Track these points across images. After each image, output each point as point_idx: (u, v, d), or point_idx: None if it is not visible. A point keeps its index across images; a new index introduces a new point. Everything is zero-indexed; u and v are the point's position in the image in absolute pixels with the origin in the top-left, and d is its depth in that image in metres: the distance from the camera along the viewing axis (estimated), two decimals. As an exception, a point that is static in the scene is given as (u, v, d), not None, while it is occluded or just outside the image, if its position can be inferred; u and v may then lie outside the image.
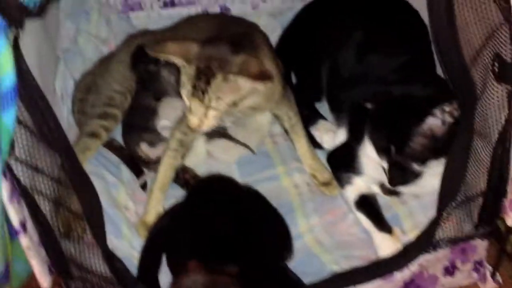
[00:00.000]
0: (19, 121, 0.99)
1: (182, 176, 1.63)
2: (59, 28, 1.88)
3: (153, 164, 1.65)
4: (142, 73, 1.69)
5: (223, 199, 1.42)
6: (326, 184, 1.65)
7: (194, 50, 1.32)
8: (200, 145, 1.69)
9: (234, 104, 1.33)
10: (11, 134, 0.94)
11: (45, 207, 1.10)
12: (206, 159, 1.71)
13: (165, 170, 1.57)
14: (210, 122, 1.34)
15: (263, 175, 1.69)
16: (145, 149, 1.65)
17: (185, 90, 1.32)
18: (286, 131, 1.72)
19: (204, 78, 1.29)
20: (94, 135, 1.60)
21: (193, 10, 2.06)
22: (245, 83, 1.30)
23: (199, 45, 1.33)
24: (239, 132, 1.71)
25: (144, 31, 1.86)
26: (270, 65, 1.42)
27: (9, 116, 0.92)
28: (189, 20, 1.81)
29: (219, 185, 1.51)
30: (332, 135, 1.70)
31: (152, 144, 1.66)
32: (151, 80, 1.69)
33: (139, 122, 1.69)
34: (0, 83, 0.88)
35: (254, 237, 1.32)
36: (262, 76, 1.28)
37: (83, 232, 1.23)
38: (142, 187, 1.65)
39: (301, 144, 1.68)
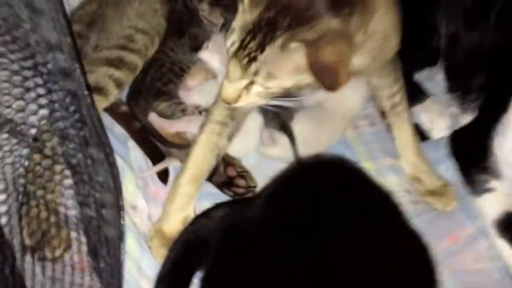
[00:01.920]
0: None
1: (224, 170, 1.14)
2: None
3: (177, 147, 1.17)
4: (179, 10, 1.29)
5: (339, 197, 0.88)
6: (435, 193, 1.20)
7: None
8: (253, 124, 1.19)
9: (295, 87, 0.92)
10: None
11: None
12: (258, 146, 1.22)
13: (202, 153, 1.09)
14: (251, 100, 0.94)
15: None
16: (155, 122, 1.19)
17: (230, 40, 0.89)
18: (382, 113, 1.24)
19: (260, 36, 0.86)
20: (98, 89, 1.13)
21: None
22: (304, 67, 0.84)
23: None
24: (312, 120, 1.22)
25: None
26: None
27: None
28: None
29: (336, 174, 0.96)
30: (447, 121, 1.28)
31: (166, 116, 1.21)
32: (190, 22, 1.28)
33: (156, 81, 1.23)
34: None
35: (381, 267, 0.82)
36: (329, 76, 0.83)
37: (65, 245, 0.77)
38: (161, 178, 1.16)
39: (404, 132, 1.22)
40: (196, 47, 1.23)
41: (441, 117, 1.27)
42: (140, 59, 1.21)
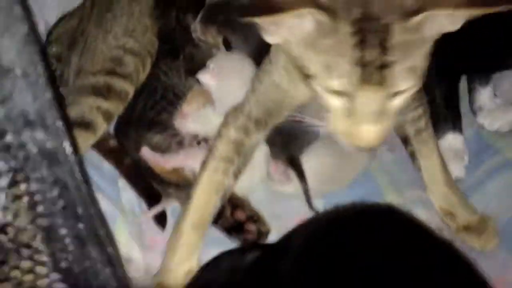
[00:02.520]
0: None
1: (231, 213, 0.99)
2: None
3: (175, 186, 1.02)
4: (172, 27, 1.12)
5: (391, 254, 0.73)
6: (471, 229, 1.04)
7: None
8: (259, 155, 1.04)
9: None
10: None
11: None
12: (266, 180, 1.07)
13: (205, 195, 0.93)
14: (392, 123, 0.77)
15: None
16: (149, 157, 1.03)
17: (342, 77, 0.72)
18: (404, 140, 1.11)
19: (372, 38, 0.70)
20: (85, 125, 0.98)
21: None
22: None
23: None
24: (329, 152, 1.06)
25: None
26: None
27: None
28: None
29: (385, 225, 0.79)
30: (462, 164, 1.14)
31: (161, 149, 1.04)
32: (186, 41, 1.12)
33: (148, 110, 1.07)
34: None
35: None
36: None
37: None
38: (158, 222, 1.00)
39: (432, 160, 1.08)
40: (193, 70, 1.07)
41: (456, 161, 1.13)
42: (131, 86, 1.05)
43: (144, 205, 1.01)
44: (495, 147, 1.14)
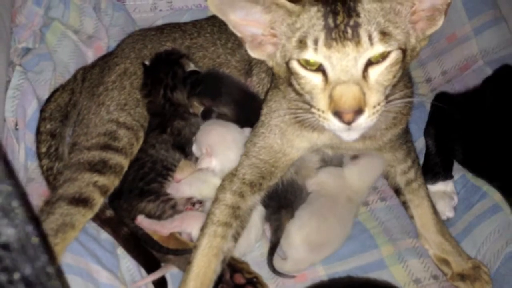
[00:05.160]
0: None
1: (230, 277, 0.98)
2: (17, 14, 1.23)
3: (174, 253, 1.00)
4: (160, 103, 1.10)
5: None
6: (465, 277, 1.04)
7: None
8: (253, 216, 1.03)
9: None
10: None
11: None
12: (259, 239, 1.07)
13: (205, 261, 0.93)
14: (376, 94, 0.76)
15: (358, 261, 1.07)
16: (145, 225, 1.02)
17: (313, 46, 0.76)
18: (396, 190, 1.14)
19: (340, 6, 0.76)
20: (81, 200, 0.96)
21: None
22: None
23: None
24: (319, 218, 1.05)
25: (162, 28, 1.23)
26: None
27: None
28: None
29: None
30: (450, 204, 1.14)
31: (156, 216, 1.03)
32: (173, 115, 1.10)
33: (138, 181, 1.05)
34: None
35: None
36: None
37: None
38: None
39: (423, 209, 1.10)
40: (180, 146, 1.07)
41: (445, 199, 1.13)
42: (126, 159, 1.04)
43: (144, 273, 1.00)
44: (483, 189, 1.14)
